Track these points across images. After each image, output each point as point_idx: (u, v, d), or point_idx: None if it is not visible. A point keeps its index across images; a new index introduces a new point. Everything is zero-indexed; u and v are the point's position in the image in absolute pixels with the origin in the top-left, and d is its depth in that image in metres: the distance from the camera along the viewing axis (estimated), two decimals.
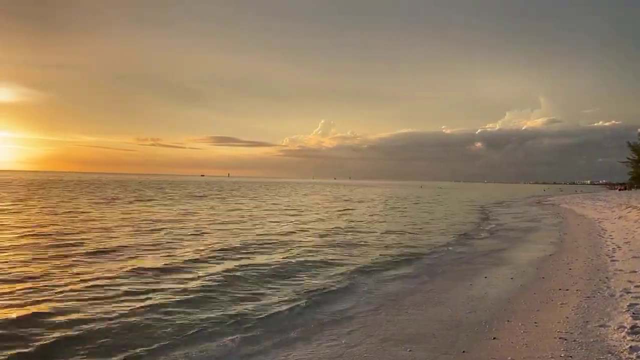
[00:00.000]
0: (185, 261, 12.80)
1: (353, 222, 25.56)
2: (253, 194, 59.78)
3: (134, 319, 7.85)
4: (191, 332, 7.48)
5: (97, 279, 10.52)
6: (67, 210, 26.85)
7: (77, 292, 9.26)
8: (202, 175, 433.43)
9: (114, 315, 8.00)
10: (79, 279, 10.39)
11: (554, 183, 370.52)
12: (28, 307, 8.21)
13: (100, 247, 14.72)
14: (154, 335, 7.22)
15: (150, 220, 23.10)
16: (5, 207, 27.79)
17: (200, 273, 11.34)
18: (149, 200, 41.04)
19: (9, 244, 14.57)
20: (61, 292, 9.24)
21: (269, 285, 10.67)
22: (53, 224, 19.72)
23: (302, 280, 11.25)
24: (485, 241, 19.29)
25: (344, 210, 35.66)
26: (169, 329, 7.49)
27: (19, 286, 9.67)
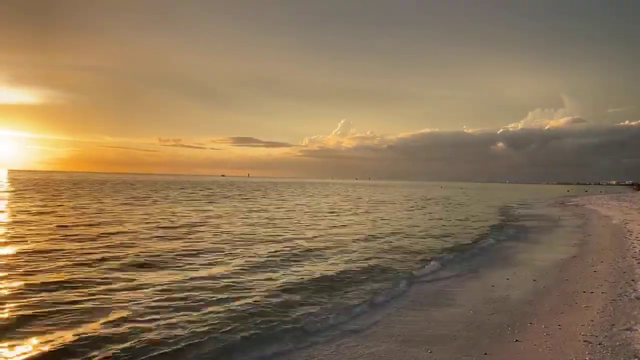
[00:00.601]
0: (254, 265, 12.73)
1: (391, 225, 25.14)
2: (289, 195, 59.86)
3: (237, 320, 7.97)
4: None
5: (192, 279, 10.66)
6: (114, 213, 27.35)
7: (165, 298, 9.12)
8: (222, 176, 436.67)
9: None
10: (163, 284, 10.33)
11: (578, 184, 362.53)
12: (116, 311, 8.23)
13: (190, 249, 14.75)
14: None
15: (204, 222, 23.30)
16: (80, 205, 28.48)
17: (277, 275, 11.50)
18: (193, 200, 41.46)
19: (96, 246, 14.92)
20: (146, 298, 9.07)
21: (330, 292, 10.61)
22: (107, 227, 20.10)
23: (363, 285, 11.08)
24: (506, 242, 18.97)
25: (378, 212, 35.24)
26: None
27: (100, 288, 9.72)
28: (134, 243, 15.44)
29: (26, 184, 68.25)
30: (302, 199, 52.19)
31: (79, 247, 14.19)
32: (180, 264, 12.23)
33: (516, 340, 7.10)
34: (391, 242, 17.97)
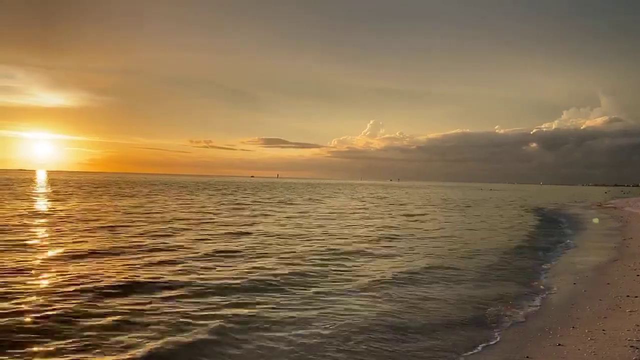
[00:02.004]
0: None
1: (443, 227, 25.03)
2: (328, 196, 60.00)
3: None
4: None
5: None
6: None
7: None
8: (251, 176, 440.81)
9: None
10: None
11: (615, 185, 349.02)
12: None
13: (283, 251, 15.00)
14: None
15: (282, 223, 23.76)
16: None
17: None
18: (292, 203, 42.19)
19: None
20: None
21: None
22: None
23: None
24: (544, 245, 18.55)
25: (425, 214, 34.93)
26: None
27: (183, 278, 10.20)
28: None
29: (81, 184, 70.96)
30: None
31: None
32: None
33: (559, 345, 6.98)
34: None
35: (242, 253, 14.18)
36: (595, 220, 29.50)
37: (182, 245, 15.14)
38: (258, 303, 8.79)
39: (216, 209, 31.74)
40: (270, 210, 32.04)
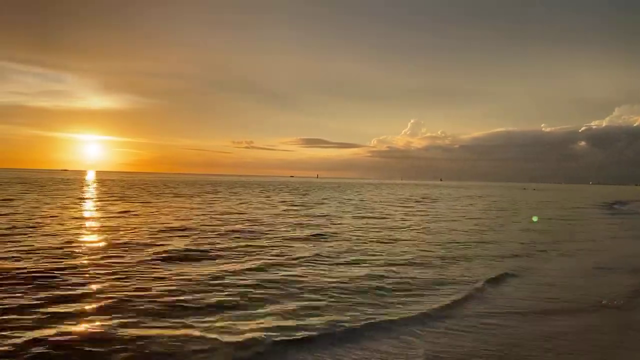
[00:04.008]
0: None
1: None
2: (424, 196, 61.01)
3: None
4: None
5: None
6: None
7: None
8: (291, 177, 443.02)
9: None
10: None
11: None
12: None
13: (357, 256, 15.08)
14: None
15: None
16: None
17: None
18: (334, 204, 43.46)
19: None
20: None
21: None
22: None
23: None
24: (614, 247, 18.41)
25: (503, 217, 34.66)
26: None
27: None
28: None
29: (132, 185, 74.44)
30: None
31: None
32: None
33: None
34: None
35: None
36: None
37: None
38: None
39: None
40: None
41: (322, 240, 17.95)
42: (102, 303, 8.74)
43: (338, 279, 11.28)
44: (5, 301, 8.67)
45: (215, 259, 13.32)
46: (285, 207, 35.63)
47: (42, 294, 9.14)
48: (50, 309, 8.28)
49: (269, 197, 53.31)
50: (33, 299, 8.88)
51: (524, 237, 21.72)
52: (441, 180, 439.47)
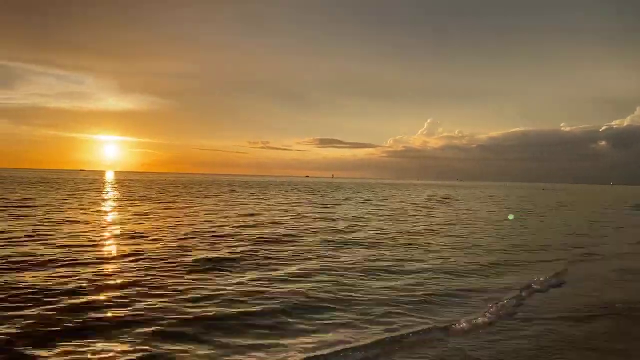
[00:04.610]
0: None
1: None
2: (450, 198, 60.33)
3: None
4: None
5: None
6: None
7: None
8: (306, 177, 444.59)
9: None
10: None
11: None
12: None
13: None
14: None
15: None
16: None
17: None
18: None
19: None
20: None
21: None
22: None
23: None
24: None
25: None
26: None
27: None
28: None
29: (160, 185, 75.60)
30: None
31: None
32: None
33: None
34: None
35: None
36: None
37: None
38: None
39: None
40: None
41: (360, 247, 17.19)
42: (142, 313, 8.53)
43: (387, 287, 10.96)
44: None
45: (254, 267, 12.79)
46: (310, 209, 35.34)
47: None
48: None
49: (292, 198, 53.24)
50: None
51: (564, 240, 21.22)
52: (461, 180, 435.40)
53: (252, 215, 28.60)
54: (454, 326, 8.39)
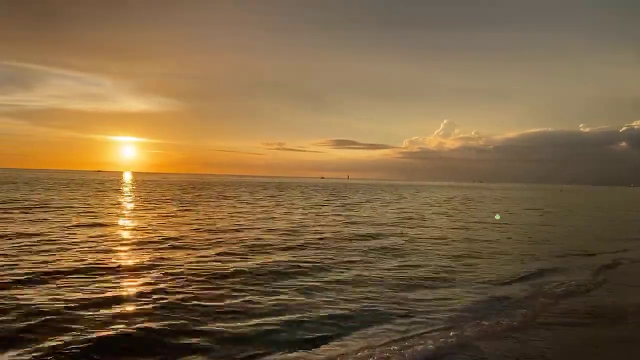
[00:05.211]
0: None
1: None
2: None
3: None
4: None
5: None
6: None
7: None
8: (322, 178, 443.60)
9: None
10: None
11: None
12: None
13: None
14: None
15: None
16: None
17: None
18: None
19: None
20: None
21: None
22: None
23: None
24: None
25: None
26: None
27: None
28: None
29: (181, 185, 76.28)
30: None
31: None
32: None
33: None
34: None
35: None
36: None
37: None
38: None
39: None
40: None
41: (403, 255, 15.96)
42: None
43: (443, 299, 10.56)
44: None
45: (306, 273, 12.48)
46: (337, 213, 35.24)
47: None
48: None
49: (317, 200, 53.08)
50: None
51: (605, 243, 21.13)
52: (480, 181, 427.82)
53: (281, 219, 28.55)
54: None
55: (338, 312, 8.93)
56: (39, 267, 11.51)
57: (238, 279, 11.21)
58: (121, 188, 66.43)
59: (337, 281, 11.44)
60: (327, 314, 8.74)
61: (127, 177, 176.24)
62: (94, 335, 7.08)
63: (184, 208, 32.91)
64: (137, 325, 7.61)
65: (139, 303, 8.92)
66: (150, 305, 8.71)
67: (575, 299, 10.81)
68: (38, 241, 15.56)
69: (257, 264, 12.95)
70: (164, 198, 44.64)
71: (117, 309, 8.45)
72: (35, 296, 9.03)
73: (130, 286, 10.21)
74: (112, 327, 7.53)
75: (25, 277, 10.51)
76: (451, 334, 7.95)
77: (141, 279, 10.92)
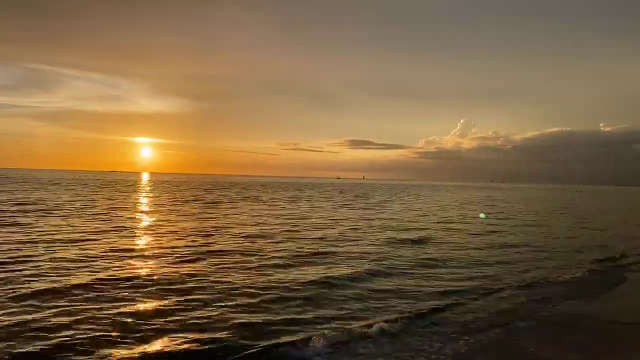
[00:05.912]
0: None
1: None
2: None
3: None
4: None
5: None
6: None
7: None
8: (337, 178, 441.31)
9: None
10: None
11: None
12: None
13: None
14: None
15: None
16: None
17: None
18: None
19: None
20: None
21: None
22: None
23: None
24: None
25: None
26: None
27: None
28: None
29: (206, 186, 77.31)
30: None
31: None
32: None
33: None
34: None
35: None
36: None
37: None
38: None
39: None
40: None
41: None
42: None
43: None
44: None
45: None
46: (366, 218, 31.99)
47: None
48: None
49: (339, 201, 52.03)
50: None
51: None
52: (502, 182, 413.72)
53: (306, 218, 30.20)
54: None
55: None
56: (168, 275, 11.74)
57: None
58: (164, 189, 66.68)
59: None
60: None
61: (146, 178, 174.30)
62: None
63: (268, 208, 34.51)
64: None
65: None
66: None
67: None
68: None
69: None
70: (218, 200, 46.04)
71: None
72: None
73: None
74: None
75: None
76: None
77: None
